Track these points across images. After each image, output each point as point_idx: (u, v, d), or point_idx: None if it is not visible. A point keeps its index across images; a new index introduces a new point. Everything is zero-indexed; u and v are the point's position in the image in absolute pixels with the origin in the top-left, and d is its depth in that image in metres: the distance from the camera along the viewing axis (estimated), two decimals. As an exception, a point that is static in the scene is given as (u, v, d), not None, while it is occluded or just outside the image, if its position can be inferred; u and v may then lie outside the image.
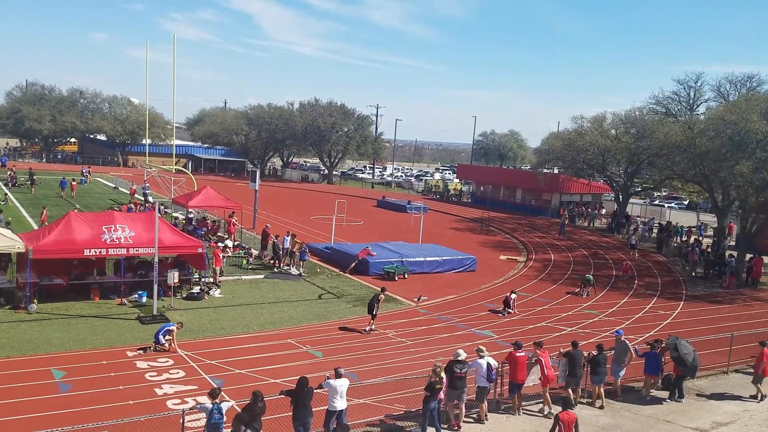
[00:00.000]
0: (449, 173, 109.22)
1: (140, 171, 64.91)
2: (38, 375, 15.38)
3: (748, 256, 34.23)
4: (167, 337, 17.59)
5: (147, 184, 50.04)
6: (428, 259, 31.19)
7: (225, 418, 11.58)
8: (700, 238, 41.20)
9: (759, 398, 16.97)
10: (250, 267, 28.70)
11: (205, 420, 11.66)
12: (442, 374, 13.56)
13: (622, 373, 16.58)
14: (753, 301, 29.36)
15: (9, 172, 54.07)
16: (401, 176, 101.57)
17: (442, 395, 13.72)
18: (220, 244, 29.23)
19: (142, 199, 46.38)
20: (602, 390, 15.93)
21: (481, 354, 14.60)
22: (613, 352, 16.51)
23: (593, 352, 15.91)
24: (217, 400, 11.60)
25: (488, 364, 14.41)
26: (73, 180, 51.48)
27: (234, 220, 34.08)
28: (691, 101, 51.13)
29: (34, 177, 51.44)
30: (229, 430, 11.68)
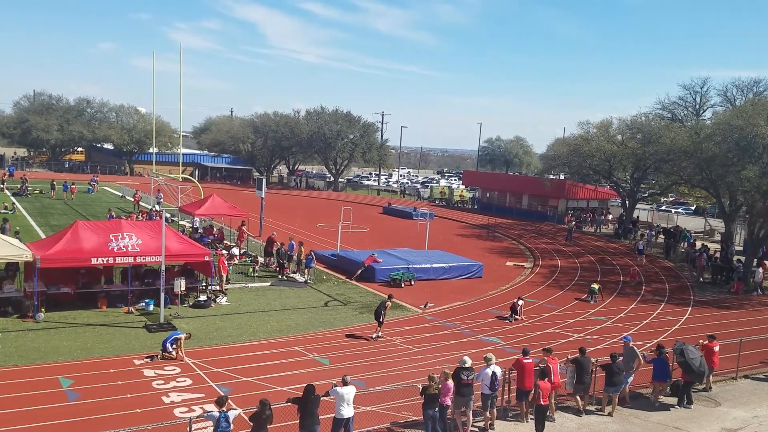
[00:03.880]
0: (455, 179, 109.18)
1: (147, 180, 65.18)
2: (46, 384, 15.42)
3: (755, 260, 34.05)
4: (174, 345, 17.62)
5: (160, 194, 50.17)
6: (434, 265, 31.16)
7: (232, 427, 11.58)
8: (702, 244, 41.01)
9: (709, 389, 17.73)
10: (257, 275, 28.73)
11: (212, 428, 11.66)
12: (436, 378, 13.48)
13: (630, 379, 16.51)
14: (761, 306, 29.18)
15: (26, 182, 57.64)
16: (407, 183, 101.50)
17: (449, 402, 13.69)
18: (225, 252, 29.25)
19: (149, 207, 46.51)
20: (617, 398, 15.85)
21: (489, 362, 14.54)
22: (621, 358, 16.44)
23: (608, 360, 15.82)
24: (224, 408, 11.59)
25: (493, 373, 14.36)
26: (73, 184, 56.15)
27: (245, 229, 34.18)
28: (697, 106, 50.96)
29: (54, 183, 56.69)
30: None
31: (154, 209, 44.54)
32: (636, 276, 33.57)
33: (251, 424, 11.73)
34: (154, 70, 56.47)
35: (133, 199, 51.00)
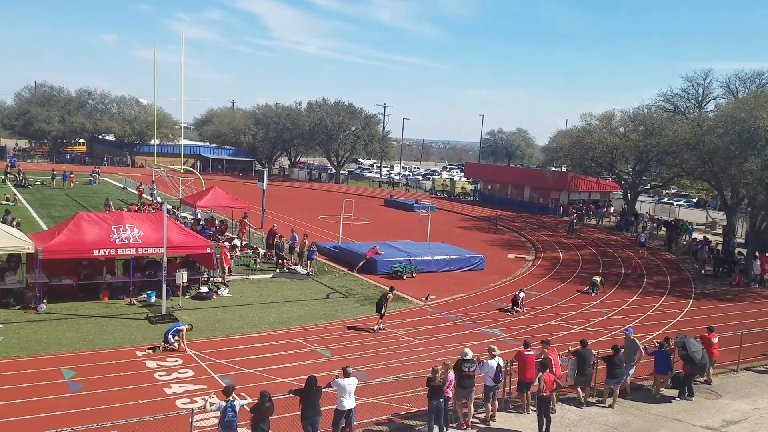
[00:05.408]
0: (457, 172, 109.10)
1: (149, 171, 65.22)
2: (48, 375, 15.47)
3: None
4: (176, 336, 17.65)
5: (154, 185, 50.20)
6: (436, 257, 31.17)
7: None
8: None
9: (710, 382, 17.75)
10: (258, 266, 28.76)
11: (214, 418, 11.70)
12: (439, 370, 13.49)
13: (632, 371, 16.53)
14: (763, 299, 29.17)
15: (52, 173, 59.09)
16: (408, 175, 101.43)
17: (450, 393, 13.72)
18: (227, 244, 29.30)
19: (150, 198, 46.55)
20: (618, 390, 15.88)
21: (493, 353, 14.58)
22: (623, 350, 16.46)
23: (610, 352, 15.85)
24: (230, 398, 11.62)
25: (498, 364, 14.41)
26: (72, 173, 57.56)
27: (246, 221, 34.22)
28: (699, 99, 50.85)
29: (54, 173, 58.11)
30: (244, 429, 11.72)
31: (156, 201, 44.60)
32: (637, 268, 33.56)
33: (251, 415, 11.76)
34: (156, 61, 56.61)
35: (136, 191, 51.04)
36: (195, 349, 17.78)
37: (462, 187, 74.88)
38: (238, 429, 11.68)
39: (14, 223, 30.09)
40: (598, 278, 28.79)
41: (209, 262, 24.31)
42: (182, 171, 55.12)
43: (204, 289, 23.76)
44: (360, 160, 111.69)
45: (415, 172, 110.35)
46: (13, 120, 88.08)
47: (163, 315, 20.55)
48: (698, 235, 41.48)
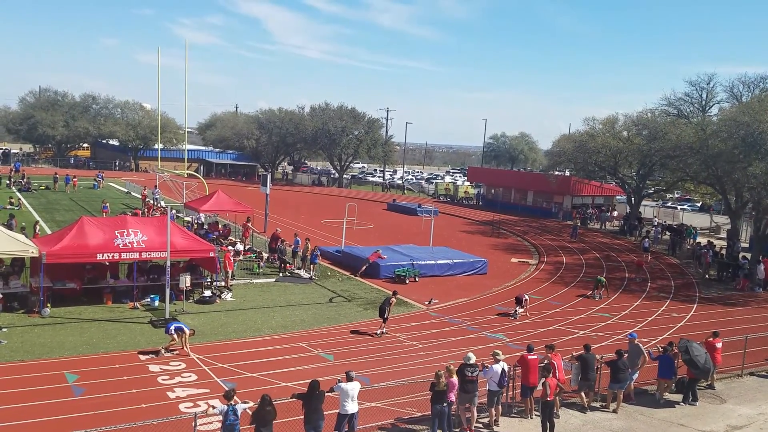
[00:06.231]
0: (460, 176, 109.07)
1: (152, 176, 65.37)
2: (52, 379, 15.49)
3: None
4: (177, 332, 17.49)
5: (157, 189, 50.26)
6: (439, 262, 31.15)
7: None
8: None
9: (713, 386, 17.70)
10: (261, 271, 28.77)
11: (217, 422, 11.69)
12: (443, 374, 13.47)
13: (636, 376, 16.48)
14: (767, 303, 29.07)
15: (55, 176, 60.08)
16: (411, 179, 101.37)
17: (453, 398, 13.70)
18: (230, 248, 29.32)
19: (153, 202, 46.58)
20: (621, 395, 15.83)
21: (498, 358, 14.55)
22: (626, 355, 16.42)
23: (613, 357, 15.80)
24: (232, 402, 11.62)
25: (502, 369, 14.38)
26: (74, 177, 59.10)
27: (250, 225, 34.26)
28: (703, 102, 50.82)
29: (57, 176, 59.17)
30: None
31: (160, 205, 44.64)
32: (642, 265, 33.59)
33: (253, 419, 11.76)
34: (160, 66, 57.06)
35: (140, 196, 51.04)
36: (198, 353, 17.78)
37: (465, 191, 74.90)
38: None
39: (36, 229, 29.92)
40: (602, 278, 28.84)
41: (212, 266, 24.34)
42: (186, 175, 55.27)
43: (207, 293, 23.79)
44: (352, 165, 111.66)
45: (418, 176, 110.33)
46: (17, 125, 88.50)
47: (167, 319, 20.54)
48: (702, 240, 41.42)
